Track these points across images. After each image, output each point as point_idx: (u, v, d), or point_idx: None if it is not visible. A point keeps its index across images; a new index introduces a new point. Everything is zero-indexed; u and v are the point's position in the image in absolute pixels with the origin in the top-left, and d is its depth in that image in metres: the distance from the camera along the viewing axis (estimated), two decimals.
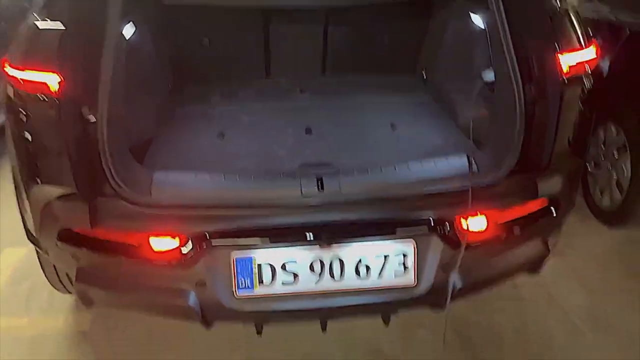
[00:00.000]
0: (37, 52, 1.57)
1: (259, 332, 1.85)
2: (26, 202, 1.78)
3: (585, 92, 1.73)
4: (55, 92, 1.51)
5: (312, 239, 1.64)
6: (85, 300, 1.84)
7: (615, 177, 2.89)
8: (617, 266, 2.71)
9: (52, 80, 1.51)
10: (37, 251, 2.13)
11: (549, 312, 2.42)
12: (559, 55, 1.65)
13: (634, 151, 2.74)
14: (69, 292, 2.33)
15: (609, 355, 2.19)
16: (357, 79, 2.72)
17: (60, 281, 2.22)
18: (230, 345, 2.21)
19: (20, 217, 1.92)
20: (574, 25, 1.73)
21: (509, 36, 1.71)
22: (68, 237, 1.70)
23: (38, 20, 1.62)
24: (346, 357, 2.20)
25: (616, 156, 2.88)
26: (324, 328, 1.86)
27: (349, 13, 2.62)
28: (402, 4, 2.56)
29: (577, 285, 2.58)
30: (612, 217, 2.95)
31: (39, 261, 2.21)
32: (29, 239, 1.96)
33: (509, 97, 1.72)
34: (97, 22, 1.62)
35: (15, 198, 1.91)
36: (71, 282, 2.04)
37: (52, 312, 2.44)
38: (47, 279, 2.26)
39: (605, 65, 2.93)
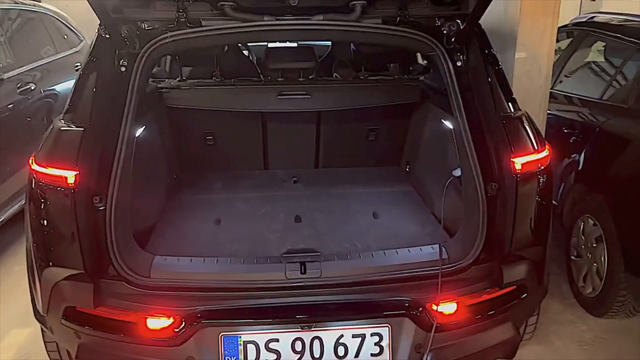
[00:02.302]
0: (58, 152, 1.82)
1: None
2: (37, 282, 1.96)
3: (541, 188, 1.94)
4: (71, 184, 1.75)
5: (294, 320, 1.80)
6: None
7: (595, 266, 3.02)
8: (600, 354, 2.78)
9: (70, 175, 1.75)
10: (42, 331, 2.28)
11: None
12: (512, 156, 1.88)
13: (609, 241, 2.90)
14: None
15: None
16: (346, 171, 2.98)
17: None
18: None
19: (29, 298, 2.10)
20: (527, 129, 1.98)
21: (470, 140, 1.95)
22: (72, 315, 1.87)
23: (61, 122, 1.90)
24: None
25: (594, 246, 3.03)
26: None
27: (339, 113, 2.91)
28: (385, 106, 2.86)
29: None
30: (594, 305, 3.05)
31: (44, 341, 2.34)
32: (36, 317, 2.12)
33: (473, 192, 1.93)
34: (112, 124, 1.88)
35: (23, 281, 2.09)
36: None
37: None
38: (50, 358, 2.38)
39: (580, 159, 3.19)
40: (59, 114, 1.96)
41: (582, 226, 3.16)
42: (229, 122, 2.92)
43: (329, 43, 3.36)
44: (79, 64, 5.02)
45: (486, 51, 2.05)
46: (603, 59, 3.67)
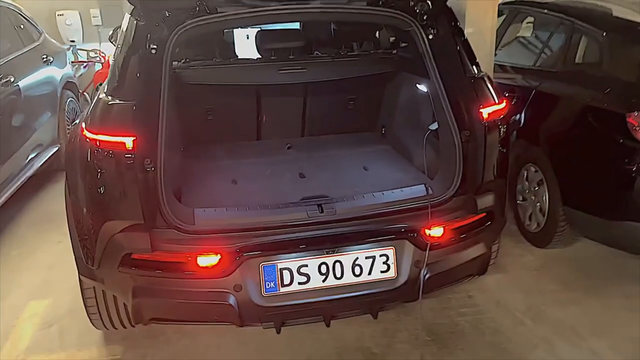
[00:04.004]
0: (115, 121, 2.14)
1: (278, 332, 2.37)
2: (91, 240, 2.27)
3: (501, 134, 2.46)
4: (129, 148, 2.08)
5: (319, 248, 2.22)
6: (137, 316, 2.31)
7: (538, 205, 3.63)
8: (546, 276, 3.39)
9: (129, 140, 2.08)
10: (81, 288, 2.58)
11: (498, 311, 3.03)
12: (480, 108, 2.38)
13: (549, 182, 3.50)
14: (106, 327, 2.72)
15: (547, 335, 2.81)
16: (330, 138, 3.42)
17: (100, 313, 2.64)
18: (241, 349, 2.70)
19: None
20: (489, 87, 2.49)
21: (446, 97, 2.43)
22: (128, 262, 2.21)
23: (108, 98, 2.21)
24: (341, 357, 2.71)
25: (537, 188, 3.63)
26: (328, 324, 2.39)
27: (323, 87, 3.33)
28: (362, 77, 3.31)
29: (517, 291, 3.22)
30: (539, 238, 3.66)
31: (82, 297, 2.62)
32: (82, 274, 2.43)
33: (450, 139, 2.41)
34: (153, 99, 2.21)
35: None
36: (117, 312, 2.56)
37: (85, 345, 2.83)
38: (88, 313, 2.66)
39: (521, 118, 3.78)
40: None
41: (525, 174, 3.76)
42: (228, 99, 3.27)
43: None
44: (45, 56, 5.13)
45: (453, 24, 2.53)
46: (532, 32, 4.28)
